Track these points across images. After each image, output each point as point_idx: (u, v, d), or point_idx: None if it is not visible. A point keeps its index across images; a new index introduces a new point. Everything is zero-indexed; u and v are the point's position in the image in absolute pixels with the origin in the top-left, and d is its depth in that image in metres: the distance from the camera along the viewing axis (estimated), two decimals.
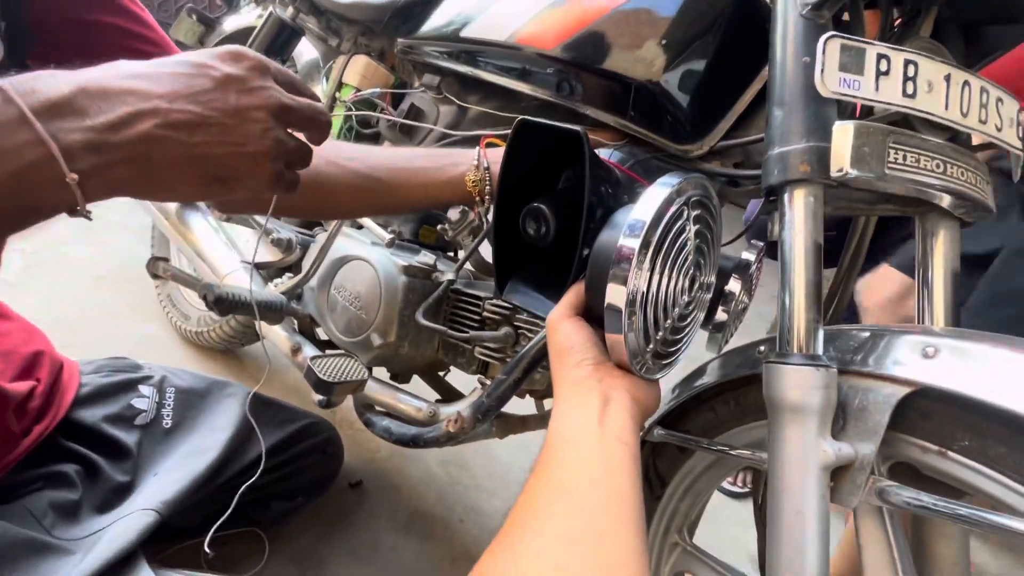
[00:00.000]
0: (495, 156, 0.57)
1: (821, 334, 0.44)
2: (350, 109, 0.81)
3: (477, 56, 0.71)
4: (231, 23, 1.27)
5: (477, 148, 0.57)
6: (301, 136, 0.39)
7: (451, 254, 0.89)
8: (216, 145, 0.32)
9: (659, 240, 0.39)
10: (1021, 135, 0.46)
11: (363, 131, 0.82)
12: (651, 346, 0.41)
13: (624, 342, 0.39)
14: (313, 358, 0.63)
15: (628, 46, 0.58)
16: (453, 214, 0.72)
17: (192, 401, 0.77)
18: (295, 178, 0.38)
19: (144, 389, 0.73)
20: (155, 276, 1.07)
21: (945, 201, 0.47)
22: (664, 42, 0.56)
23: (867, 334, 0.45)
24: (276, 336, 0.79)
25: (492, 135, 0.61)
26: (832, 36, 0.39)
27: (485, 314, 0.70)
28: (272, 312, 0.73)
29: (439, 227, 0.74)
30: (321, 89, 0.94)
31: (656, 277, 0.39)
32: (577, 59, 0.60)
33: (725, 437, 0.59)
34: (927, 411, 0.41)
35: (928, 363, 0.39)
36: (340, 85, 0.86)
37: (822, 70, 0.39)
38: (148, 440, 0.70)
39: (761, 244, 0.67)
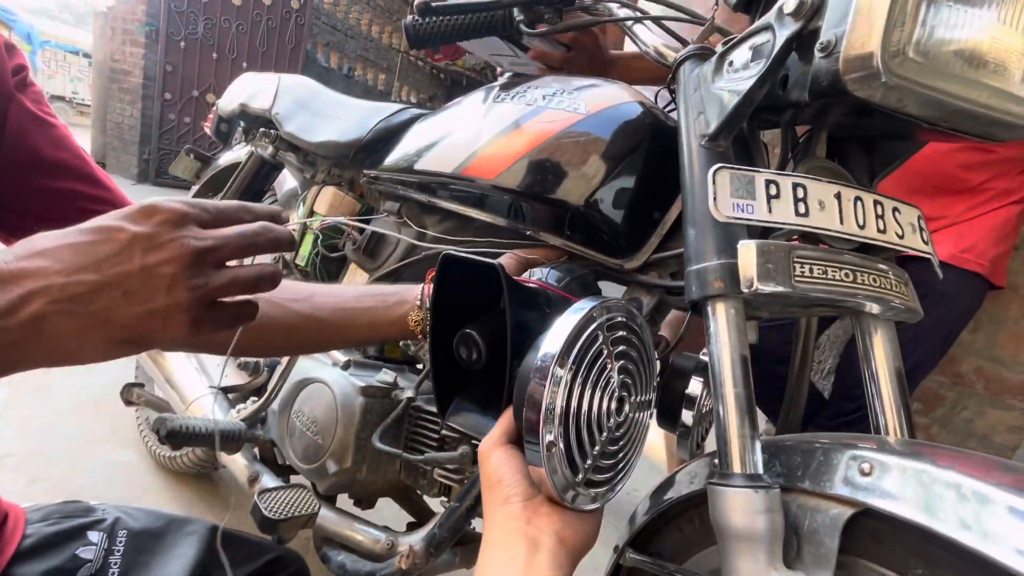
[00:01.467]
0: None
1: (759, 450, 0.43)
2: (318, 236, 0.86)
3: (431, 185, 0.76)
4: (225, 158, 1.39)
5: (422, 285, 0.60)
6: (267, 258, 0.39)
7: (419, 366, 0.89)
8: (119, 308, 0.33)
9: (574, 366, 0.39)
10: (925, 239, 0.48)
11: (330, 255, 0.86)
12: (580, 476, 0.40)
13: (547, 475, 0.38)
14: (261, 492, 0.60)
15: (560, 172, 0.62)
16: None
17: (145, 544, 0.73)
18: (232, 315, 0.38)
19: (93, 536, 0.69)
20: (128, 403, 1.06)
21: (868, 307, 0.48)
22: (593, 167, 0.61)
23: (813, 446, 0.44)
24: (235, 465, 0.77)
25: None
26: (720, 168, 0.43)
27: (444, 433, 0.69)
28: (230, 441, 0.71)
29: (401, 343, 0.75)
30: (297, 215, 1.00)
31: (575, 403, 0.39)
32: (516, 187, 0.64)
33: (695, 560, 0.55)
34: (877, 533, 0.38)
35: (866, 481, 0.38)
36: (311, 213, 0.91)
37: (715, 198, 0.42)
38: None
39: None
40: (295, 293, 0.58)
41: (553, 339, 0.39)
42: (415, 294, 0.59)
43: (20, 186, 0.49)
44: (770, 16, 0.44)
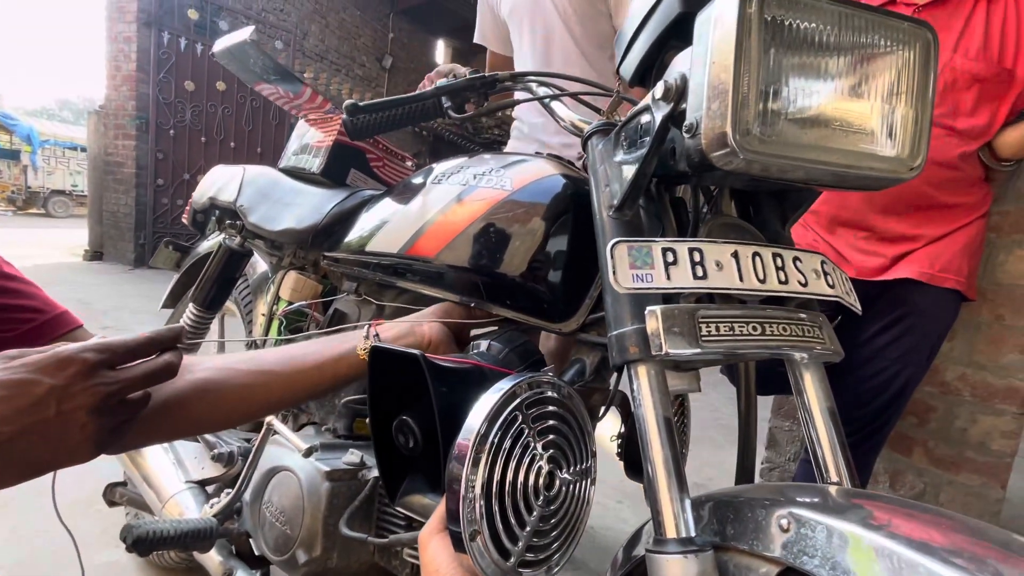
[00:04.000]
0: (383, 328, 0.62)
1: (689, 509, 0.43)
2: (282, 321, 0.88)
3: (382, 264, 0.79)
4: (203, 247, 1.44)
5: (367, 324, 0.62)
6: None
7: None
8: (35, 450, 0.38)
9: (492, 448, 0.40)
10: (830, 282, 0.50)
11: (293, 338, 0.89)
12: (512, 560, 0.40)
13: (476, 562, 0.38)
14: None
15: (493, 246, 0.65)
16: None
17: None
18: (129, 416, 0.44)
19: None
20: (112, 503, 1.06)
21: (793, 355, 0.49)
22: (523, 238, 0.64)
23: (741, 501, 0.44)
24: (210, 562, 0.77)
25: (381, 321, 0.67)
26: (617, 242, 0.45)
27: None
28: (201, 540, 0.71)
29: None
30: (266, 300, 1.03)
31: (497, 485, 0.40)
32: (455, 263, 0.67)
33: None
34: None
35: (784, 537, 0.38)
36: (277, 299, 0.94)
37: (614, 272, 0.44)
38: None
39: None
40: (241, 357, 0.60)
41: (471, 423, 0.41)
42: (359, 334, 0.61)
43: None
44: (648, 98, 0.47)
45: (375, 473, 0.72)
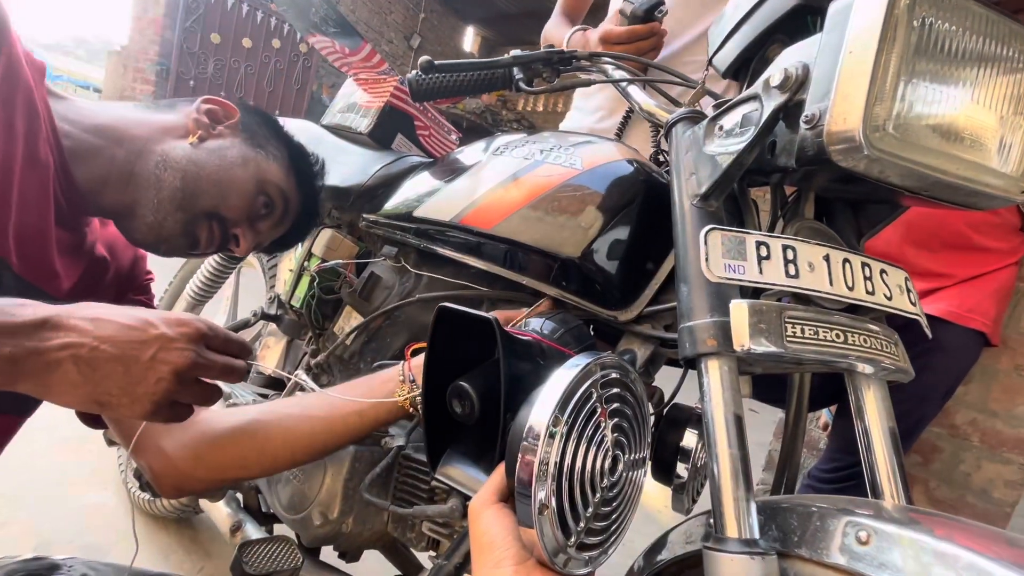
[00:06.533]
0: (418, 365, 0.59)
1: (755, 512, 0.42)
2: (314, 278, 0.86)
3: (429, 232, 0.77)
4: None
5: (402, 363, 0.61)
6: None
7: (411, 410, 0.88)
8: (111, 380, 0.41)
9: (568, 424, 0.39)
10: (912, 300, 0.49)
11: (325, 297, 0.86)
12: (573, 539, 0.39)
13: (539, 538, 0.37)
14: (243, 545, 0.58)
15: (556, 225, 0.63)
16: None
17: None
18: (180, 414, 0.47)
19: None
20: (111, 442, 1.03)
21: (860, 367, 0.48)
22: (588, 220, 0.62)
23: (810, 510, 0.43)
24: (217, 513, 0.75)
25: (417, 345, 0.64)
26: (712, 229, 0.44)
27: (435, 484, 0.67)
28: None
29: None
30: (295, 256, 1.01)
31: (569, 462, 0.39)
32: (512, 237, 0.65)
33: None
34: None
35: (863, 550, 0.37)
36: (309, 255, 0.92)
37: (707, 259, 0.43)
38: None
39: None
40: (286, 403, 0.63)
41: (548, 396, 0.39)
42: (396, 372, 0.61)
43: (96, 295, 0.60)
44: (757, 87, 0.46)
45: (399, 442, 0.71)
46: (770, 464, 1.65)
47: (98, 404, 0.42)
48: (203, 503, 0.75)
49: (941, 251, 1.10)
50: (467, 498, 0.64)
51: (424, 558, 0.79)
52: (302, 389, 0.72)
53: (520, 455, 0.38)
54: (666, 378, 0.73)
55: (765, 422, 2.08)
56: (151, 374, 0.42)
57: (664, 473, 0.71)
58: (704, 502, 0.48)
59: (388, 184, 0.89)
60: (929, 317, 1.15)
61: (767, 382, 0.62)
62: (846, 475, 1.08)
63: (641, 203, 0.63)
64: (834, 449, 1.14)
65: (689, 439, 0.66)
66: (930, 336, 0.53)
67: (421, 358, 0.59)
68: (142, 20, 4.98)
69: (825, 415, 1.58)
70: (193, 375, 0.45)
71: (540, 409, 0.38)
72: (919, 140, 0.37)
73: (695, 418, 0.67)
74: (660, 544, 0.57)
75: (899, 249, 1.12)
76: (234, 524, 0.72)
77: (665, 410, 0.68)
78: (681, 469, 0.67)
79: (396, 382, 0.60)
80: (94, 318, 0.42)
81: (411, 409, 0.59)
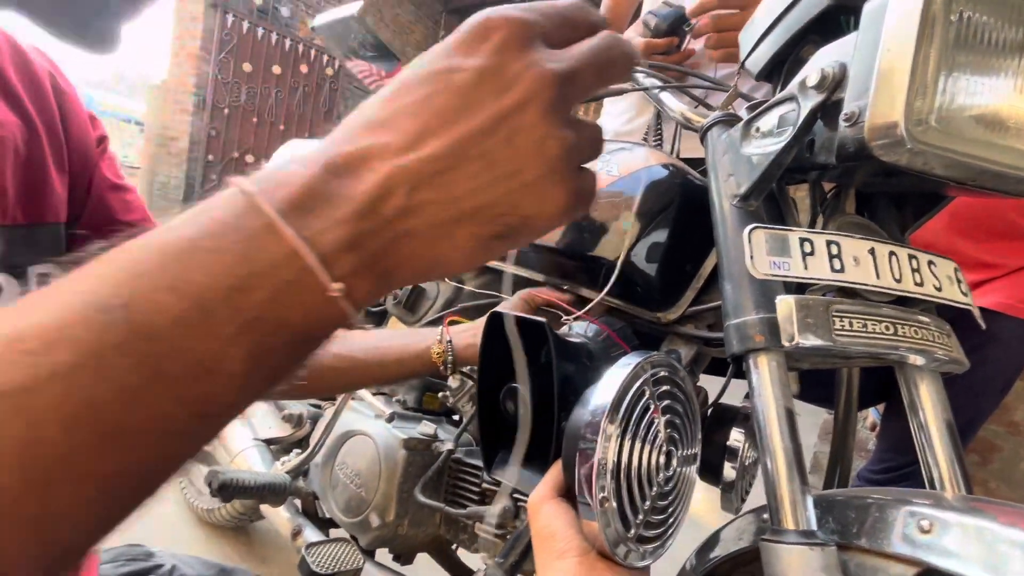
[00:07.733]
0: (456, 331, 0.67)
1: (811, 504, 0.42)
2: None
3: None
4: None
5: (441, 327, 0.67)
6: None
7: (456, 417, 0.90)
8: (485, 190, 0.23)
9: (623, 421, 0.40)
10: (963, 290, 0.48)
11: (371, 310, 0.90)
12: (632, 531, 0.40)
13: (601, 530, 0.38)
14: (308, 546, 0.61)
15: (596, 230, 0.65)
16: (453, 381, 0.76)
17: None
18: (590, 184, 0.26)
19: None
20: None
21: (911, 359, 0.48)
22: (628, 224, 0.64)
23: (867, 501, 0.43)
24: (278, 518, 0.78)
25: (453, 314, 0.71)
26: (755, 228, 0.45)
27: (485, 486, 0.69)
28: (274, 494, 0.73)
29: (440, 394, 0.77)
30: None
31: (626, 458, 0.40)
32: (554, 244, 0.67)
33: None
34: None
35: (927, 539, 0.37)
36: None
37: (751, 256, 0.44)
38: None
39: None
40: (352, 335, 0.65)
41: (602, 394, 0.41)
42: (435, 333, 0.67)
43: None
44: (793, 87, 0.47)
45: (448, 446, 0.73)
46: (816, 466, 1.61)
47: (499, 238, 0.24)
48: (264, 509, 0.79)
49: (989, 240, 1.07)
50: (517, 499, 0.66)
51: (472, 561, 0.81)
52: None
53: (578, 453, 0.40)
54: (705, 382, 0.74)
55: (806, 425, 2.03)
56: (522, 139, 0.22)
57: (712, 473, 0.71)
58: (751, 501, 0.49)
59: None
60: (982, 310, 1.11)
61: (810, 381, 0.62)
62: (898, 475, 1.06)
63: (678, 205, 0.64)
64: (884, 449, 1.11)
65: (736, 438, 0.67)
66: (983, 327, 0.52)
67: (458, 327, 0.68)
68: (180, 54, 5.25)
69: (872, 415, 1.53)
70: (570, 101, 0.24)
71: (596, 407, 0.40)
72: (963, 131, 0.38)
73: (741, 417, 0.67)
74: (712, 542, 0.58)
75: (947, 240, 1.09)
76: (295, 528, 0.76)
77: (710, 410, 0.69)
78: (728, 468, 0.67)
79: (433, 341, 0.67)
80: (375, 122, 0.23)
81: (441, 367, 0.66)
